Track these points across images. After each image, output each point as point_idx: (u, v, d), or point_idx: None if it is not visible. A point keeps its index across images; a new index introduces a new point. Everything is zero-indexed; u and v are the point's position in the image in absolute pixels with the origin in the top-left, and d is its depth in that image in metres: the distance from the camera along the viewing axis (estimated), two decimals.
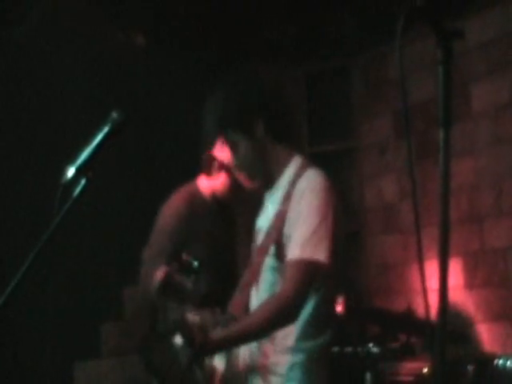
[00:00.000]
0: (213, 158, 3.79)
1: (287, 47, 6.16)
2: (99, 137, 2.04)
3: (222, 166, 3.76)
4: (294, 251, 2.51)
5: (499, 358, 3.62)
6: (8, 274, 1.97)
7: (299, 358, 2.61)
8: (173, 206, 3.76)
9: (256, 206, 2.93)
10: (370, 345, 4.60)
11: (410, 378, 4.51)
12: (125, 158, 4.77)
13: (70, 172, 1.99)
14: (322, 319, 2.67)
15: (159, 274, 3.03)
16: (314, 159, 6.53)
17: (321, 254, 2.49)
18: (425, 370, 4.46)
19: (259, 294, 2.67)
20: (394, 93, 5.94)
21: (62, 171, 1.99)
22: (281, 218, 2.60)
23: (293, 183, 2.66)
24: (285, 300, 2.49)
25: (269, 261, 2.61)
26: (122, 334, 5.12)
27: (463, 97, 5.38)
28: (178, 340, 2.46)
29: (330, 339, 2.71)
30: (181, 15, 5.43)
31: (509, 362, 3.54)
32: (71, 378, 4.89)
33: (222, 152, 3.62)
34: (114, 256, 4.96)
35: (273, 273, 2.63)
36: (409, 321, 4.89)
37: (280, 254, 2.58)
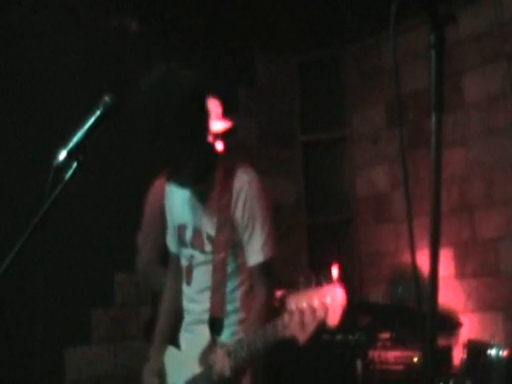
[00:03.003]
0: None
1: (281, 36, 6.14)
2: (91, 120, 2.03)
3: None
4: (256, 256, 2.85)
5: (491, 347, 3.62)
6: None
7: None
8: (155, 192, 3.82)
9: None
10: (361, 333, 4.62)
11: (400, 367, 4.53)
12: (117, 142, 4.76)
13: (62, 155, 1.99)
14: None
15: None
16: (307, 148, 6.61)
17: (274, 251, 2.87)
18: (415, 359, 4.48)
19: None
20: (386, 82, 5.94)
21: (54, 154, 1.98)
22: (227, 223, 2.86)
23: (226, 183, 2.87)
24: (265, 305, 2.86)
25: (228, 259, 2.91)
26: (113, 320, 5.12)
27: (455, 87, 5.39)
28: None
29: None
30: (175, 2, 5.42)
31: (501, 352, 3.55)
32: (62, 364, 4.89)
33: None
34: (105, 242, 4.95)
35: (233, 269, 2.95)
36: (400, 313, 4.90)
37: (237, 253, 2.90)
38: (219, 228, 2.85)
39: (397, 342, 4.64)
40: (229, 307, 2.91)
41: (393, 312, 4.94)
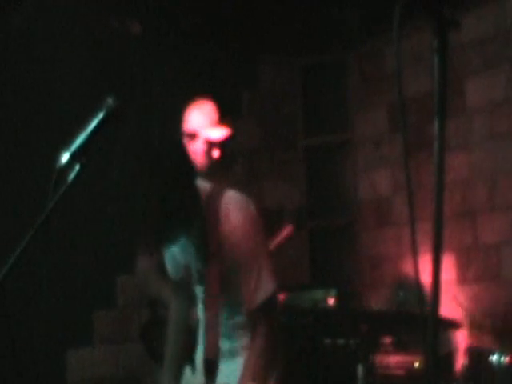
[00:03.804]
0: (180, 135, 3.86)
1: (284, 39, 6.15)
2: (94, 123, 2.03)
3: (189, 135, 3.79)
4: (253, 301, 2.72)
5: (493, 353, 3.62)
6: (1, 260, 1.97)
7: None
8: None
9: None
10: (362, 337, 4.61)
11: (402, 372, 4.53)
12: (119, 145, 4.76)
13: (65, 158, 1.98)
14: None
15: None
16: (309, 151, 6.61)
17: (272, 285, 2.74)
18: (416, 364, 4.47)
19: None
20: (389, 86, 5.94)
21: (57, 157, 1.97)
22: (217, 255, 2.73)
23: (214, 217, 2.74)
24: (264, 348, 2.74)
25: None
26: (115, 322, 5.12)
27: (458, 92, 5.39)
28: None
29: None
30: (177, 4, 5.42)
31: (503, 358, 3.55)
32: (64, 366, 4.89)
33: (186, 123, 3.78)
34: (107, 244, 4.95)
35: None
36: (400, 319, 4.89)
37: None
38: (209, 261, 2.73)
39: (398, 347, 4.64)
40: (238, 333, 2.87)
41: (395, 318, 4.93)
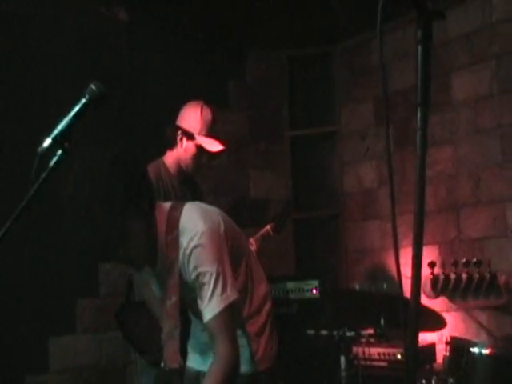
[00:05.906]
0: (175, 129, 4.08)
1: (271, 31, 6.14)
2: (76, 108, 2.02)
3: (185, 133, 4.04)
4: (209, 310, 2.56)
5: (475, 345, 3.64)
6: None
7: None
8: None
9: None
10: (345, 329, 4.63)
11: (384, 364, 4.55)
12: (104, 133, 4.75)
13: (46, 142, 1.98)
14: None
15: None
16: (295, 143, 6.61)
17: (230, 295, 2.58)
18: (399, 356, 4.49)
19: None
20: (376, 79, 5.95)
21: (40, 142, 1.97)
22: (175, 264, 2.63)
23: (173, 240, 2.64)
24: (227, 363, 2.55)
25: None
26: (98, 311, 5.11)
27: (444, 87, 5.41)
28: None
29: None
30: None
31: (484, 350, 3.56)
32: (46, 354, 4.88)
33: (183, 120, 4.05)
34: (90, 232, 4.92)
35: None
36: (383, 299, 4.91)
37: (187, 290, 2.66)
38: (169, 270, 2.63)
39: (381, 338, 4.66)
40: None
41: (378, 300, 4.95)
